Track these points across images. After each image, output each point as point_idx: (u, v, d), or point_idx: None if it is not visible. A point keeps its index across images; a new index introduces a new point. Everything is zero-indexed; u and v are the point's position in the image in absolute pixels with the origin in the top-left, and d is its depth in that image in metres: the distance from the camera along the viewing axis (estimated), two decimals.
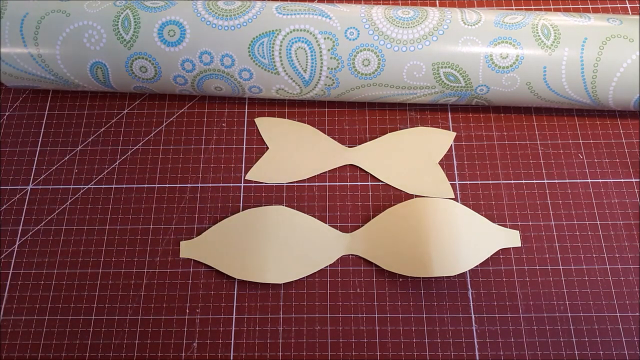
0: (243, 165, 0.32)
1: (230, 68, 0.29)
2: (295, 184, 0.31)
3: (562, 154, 0.32)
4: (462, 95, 0.30)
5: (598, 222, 0.30)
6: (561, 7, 0.36)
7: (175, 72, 0.29)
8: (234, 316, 0.28)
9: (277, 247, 0.29)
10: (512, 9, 0.36)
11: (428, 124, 0.33)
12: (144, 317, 0.28)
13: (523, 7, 0.36)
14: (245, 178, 0.32)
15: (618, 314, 0.28)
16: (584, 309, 0.28)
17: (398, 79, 0.29)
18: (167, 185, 0.31)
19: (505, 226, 0.30)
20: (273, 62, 0.29)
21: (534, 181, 0.31)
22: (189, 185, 0.31)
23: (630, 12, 0.36)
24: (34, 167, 0.32)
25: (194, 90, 0.31)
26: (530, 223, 0.30)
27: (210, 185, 0.31)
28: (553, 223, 0.30)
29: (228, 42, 0.29)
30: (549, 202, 0.30)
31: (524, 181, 0.31)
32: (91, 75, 0.30)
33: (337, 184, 0.31)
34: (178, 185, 0.31)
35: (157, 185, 0.31)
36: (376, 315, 0.28)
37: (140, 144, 0.33)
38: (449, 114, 0.33)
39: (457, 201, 0.31)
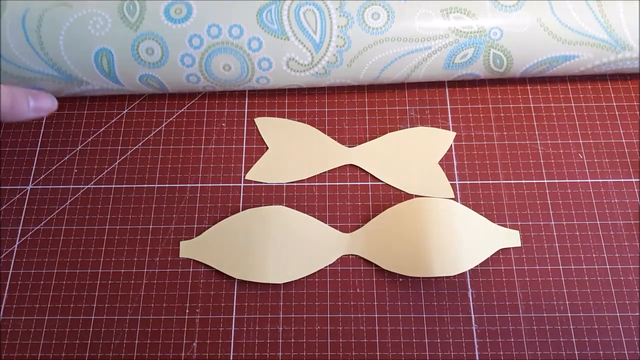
0: (243, 165, 0.32)
1: (239, 39, 0.29)
2: (295, 184, 0.31)
3: (562, 153, 0.32)
4: (478, 45, 0.29)
5: (598, 222, 0.30)
6: None
7: (182, 51, 0.29)
8: (233, 316, 0.28)
9: (277, 247, 0.29)
10: None
11: (428, 124, 0.33)
12: (144, 317, 0.28)
13: None
14: (245, 178, 0.32)
15: (618, 314, 0.28)
16: (584, 309, 0.28)
17: (410, 29, 0.29)
18: (167, 185, 0.31)
19: (505, 226, 0.30)
20: (282, 27, 0.29)
21: (534, 181, 0.31)
22: (189, 185, 0.31)
23: None
24: (34, 167, 0.32)
25: (202, 73, 0.30)
26: (530, 223, 0.30)
27: (210, 185, 0.31)
28: (553, 223, 0.30)
29: (236, 13, 0.29)
30: (549, 202, 0.30)
31: (524, 181, 0.31)
32: (95, 65, 0.29)
33: (337, 184, 0.31)
34: (178, 185, 0.31)
35: (157, 185, 0.31)
36: (376, 315, 0.28)
37: (140, 144, 0.33)
38: (449, 114, 0.33)
39: (457, 201, 0.31)
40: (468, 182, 0.31)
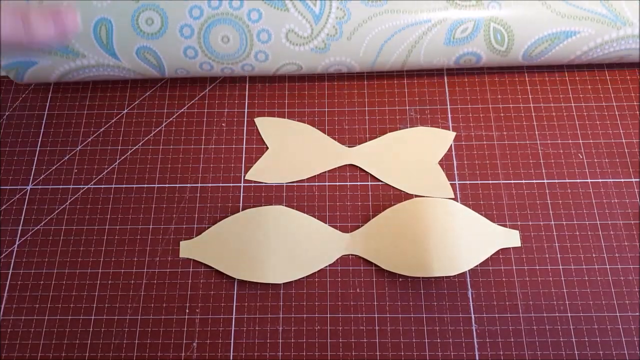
0: (243, 165, 0.32)
1: (239, 10, 0.29)
2: (295, 184, 0.31)
3: (562, 153, 0.32)
4: (477, 19, 0.29)
5: (598, 222, 0.30)
6: None
7: (182, 21, 0.29)
8: (233, 316, 0.28)
9: (277, 247, 0.29)
10: None
11: (428, 124, 0.33)
12: (144, 317, 0.28)
13: None
14: (245, 178, 0.32)
15: (618, 314, 0.28)
16: (584, 309, 0.28)
17: (409, 1, 0.29)
18: (167, 185, 0.31)
19: (505, 226, 0.30)
20: None
21: (534, 181, 0.31)
22: (189, 185, 0.31)
23: None
24: (34, 167, 0.32)
25: (200, 45, 0.30)
26: (530, 223, 0.30)
27: (210, 185, 0.31)
28: (553, 223, 0.30)
29: None
30: (548, 202, 0.30)
31: (523, 181, 0.31)
32: (94, 35, 0.29)
33: (337, 184, 0.31)
34: (178, 185, 0.31)
35: (157, 185, 0.31)
36: (376, 315, 0.28)
37: (140, 144, 0.33)
38: (449, 114, 0.33)
39: (457, 201, 0.31)
40: (468, 182, 0.31)
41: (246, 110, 0.34)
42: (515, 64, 0.32)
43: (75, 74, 0.31)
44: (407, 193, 0.31)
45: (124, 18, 0.29)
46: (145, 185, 0.32)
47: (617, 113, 0.33)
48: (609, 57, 0.31)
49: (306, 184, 0.31)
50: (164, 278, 0.29)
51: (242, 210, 0.31)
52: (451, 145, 0.32)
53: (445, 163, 0.32)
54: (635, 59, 0.31)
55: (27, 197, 0.31)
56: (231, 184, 0.31)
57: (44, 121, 0.34)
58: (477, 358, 0.27)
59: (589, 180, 0.31)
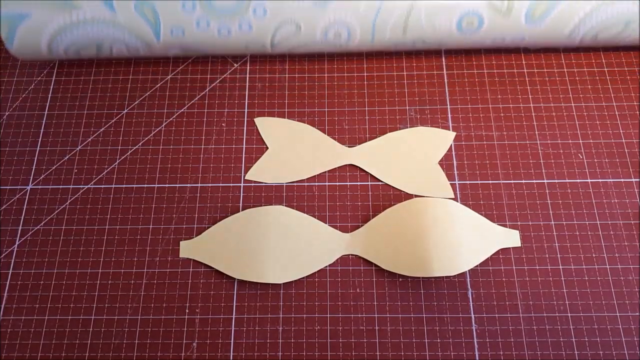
0: (243, 165, 0.32)
1: None
2: (295, 184, 0.31)
3: (561, 153, 0.32)
4: None
5: (598, 222, 0.30)
6: None
7: None
8: (233, 316, 0.28)
9: (277, 247, 0.29)
10: None
11: (428, 124, 0.33)
12: (144, 317, 0.28)
13: None
14: (245, 178, 0.32)
15: (618, 314, 0.28)
16: (584, 309, 0.28)
17: None
18: (167, 185, 0.31)
19: (505, 226, 0.30)
20: None
21: (534, 181, 0.31)
22: (188, 185, 0.31)
23: None
24: (34, 167, 0.32)
25: None
26: (530, 223, 0.30)
27: (210, 185, 0.31)
28: (553, 223, 0.30)
29: None
30: (548, 202, 0.30)
31: (523, 181, 0.31)
32: None
33: (337, 184, 0.31)
34: (178, 185, 0.31)
35: (157, 185, 0.31)
36: (376, 315, 0.28)
37: (140, 144, 0.33)
38: (449, 114, 0.33)
39: (457, 201, 0.31)
40: (468, 182, 0.31)
41: (246, 110, 0.34)
42: (519, 32, 0.32)
43: (69, 34, 0.31)
44: (407, 193, 0.31)
45: None
46: (145, 185, 0.32)
47: (617, 113, 0.33)
48: (612, 25, 0.31)
49: (306, 184, 0.31)
50: (164, 278, 0.29)
51: (242, 210, 0.31)
52: (451, 145, 0.32)
53: (445, 163, 0.32)
54: (636, 35, 0.31)
55: (27, 197, 0.31)
56: (231, 184, 0.31)
57: (44, 121, 0.34)
58: (477, 358, 0.27)
59: (589, 180, 0.31)
